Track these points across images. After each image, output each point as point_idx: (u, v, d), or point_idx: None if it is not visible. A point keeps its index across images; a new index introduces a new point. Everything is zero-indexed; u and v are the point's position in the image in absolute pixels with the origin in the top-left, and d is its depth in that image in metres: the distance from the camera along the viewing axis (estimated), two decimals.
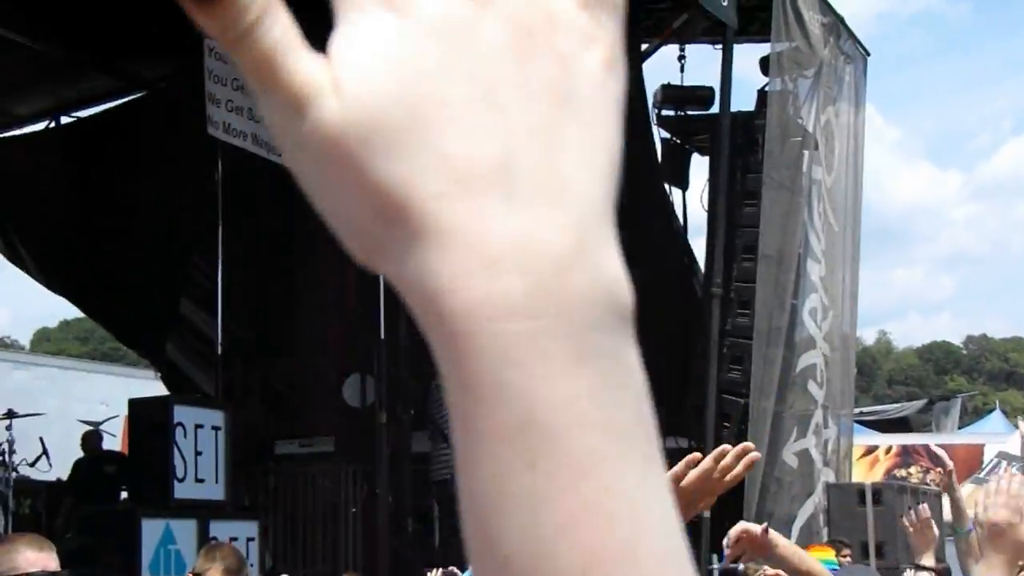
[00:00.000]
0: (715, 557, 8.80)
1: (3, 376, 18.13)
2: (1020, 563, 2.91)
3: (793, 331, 10.97)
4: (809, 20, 10.57)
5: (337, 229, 0.49)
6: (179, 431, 9.71)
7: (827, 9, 11.06)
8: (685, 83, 11.61)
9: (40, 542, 3.64)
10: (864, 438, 23.21)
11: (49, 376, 19.70)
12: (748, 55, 11.52)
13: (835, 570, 4.99)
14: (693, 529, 9.61)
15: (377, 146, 0.46)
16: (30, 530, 9.48)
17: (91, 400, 16.50)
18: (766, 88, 10.82)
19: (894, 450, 25.39)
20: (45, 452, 10.66)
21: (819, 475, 11.43)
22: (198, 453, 9.84)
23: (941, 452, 7.87)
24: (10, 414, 9.71)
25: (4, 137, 14.08)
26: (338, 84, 0.46)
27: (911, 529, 5.07)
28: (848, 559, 8.25)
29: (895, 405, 34.15)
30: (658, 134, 11.54)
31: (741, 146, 10.67)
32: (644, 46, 11.48)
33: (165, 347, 13.20)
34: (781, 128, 10.55)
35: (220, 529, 9.62)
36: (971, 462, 21.46)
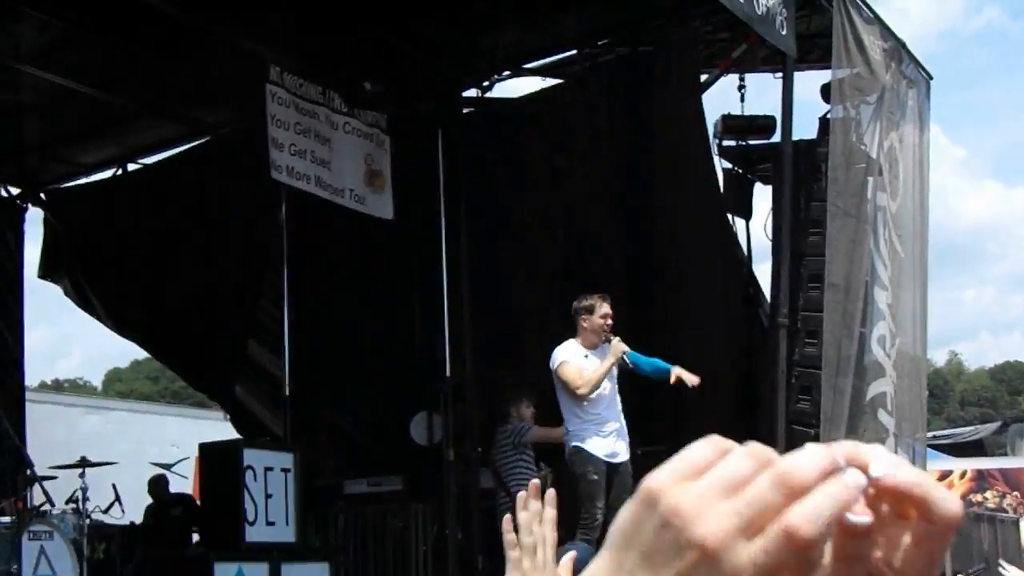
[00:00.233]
0: None
1: (76, 420, 18.39)
2: None
3: (862, 359, 10.83)
4: (870, 46, 10.48)
5: None
6: (249, 474, 9.77)
7: (888, 34, 10.96)
8: (746, 112, 11.56)
9: None
10: (938, 463, 22.83)
11: (121, 420, 19.93)
12: (809, 82, 11.45)
13: None
14: None
15: None
16: (104, 575, 9.60)
17: (162, 442, 16.67)
18: (828, 115, 10.71)
19: (969, 475, 24.97)
20: (118, 499, 10.75)
21: None
22: (268, 496, 9.88)
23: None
24: (83, 462, 9.81)
25: (72, 186, 14.30)
26: None
27: None
28: None
29: (968, 428, 33.61)
30: (720, 164, 11.49)
31: (804, 174, 10.57)
32: (703, 77, 11.44)
33: (234, 389, 13.30)
34: (845, 155, 10.45)
35: (292, 571, 9.66)
36: None
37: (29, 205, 14.22)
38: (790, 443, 10.35)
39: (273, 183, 10.64)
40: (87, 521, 9.10)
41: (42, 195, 14.28)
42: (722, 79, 11.56)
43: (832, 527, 0.59)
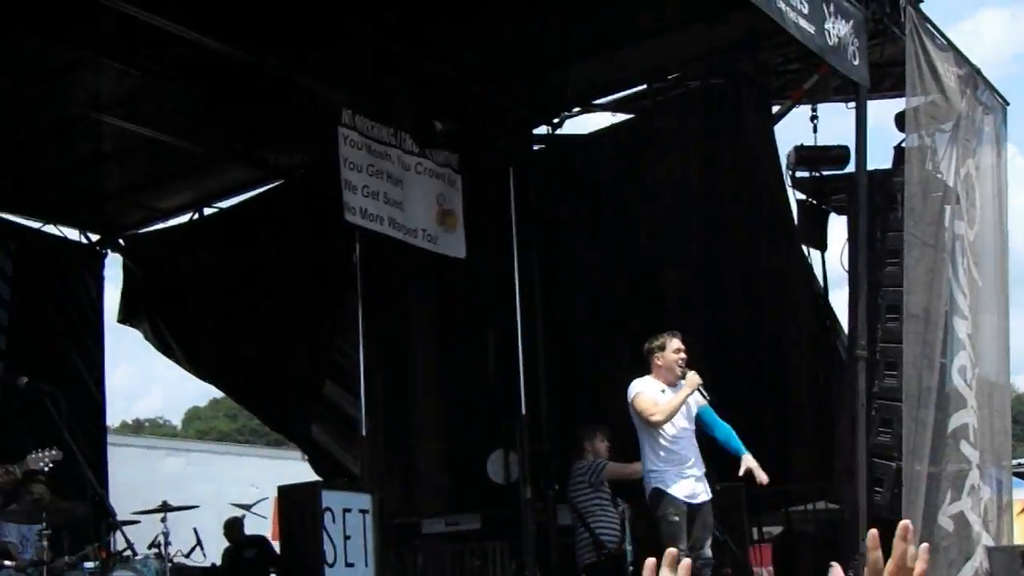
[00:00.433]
0: None
1: (157, 463, 18.61)
2: None
3: (943, 391, 10.64)
4: (944, 73, 10.35)
5: None
6: (328, 516, 9.81)
7: (962, 60, 10.83)
8: (819, 143, 11.45)
9: None
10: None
11: (201, 461, 20.14)
12: (883, 110, 11.35)
13: None
14: None
15: None
16: None
17: (242, 483, 16.80)
18: (903, 144, 10.60)
19: None
20: (199, 543, 10.85)
21: (977, 538, 11.04)
22: (347, 537, 9.92)
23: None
24: (165, 506, 9.91)
25: (150, 231, 14.50)
26: None
27: None
28: None
29: None
30: (794, 196, 11.39)
31: (880, 204, 10.45)
32: (775, 108, 11.38)
33: (311, 430, 13.36)
34: (921, 184, 10.31)
35: None
36: None
37: (108, 251, 14.42)
38: (871, 476, 10.21)
39: (347, 223, 10.71)
40: (169, 565, 9.18)
41: (121, 240, 14.49)
42: (794, 110, 11.47)
43: None
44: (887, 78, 10.94)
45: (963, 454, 10.96)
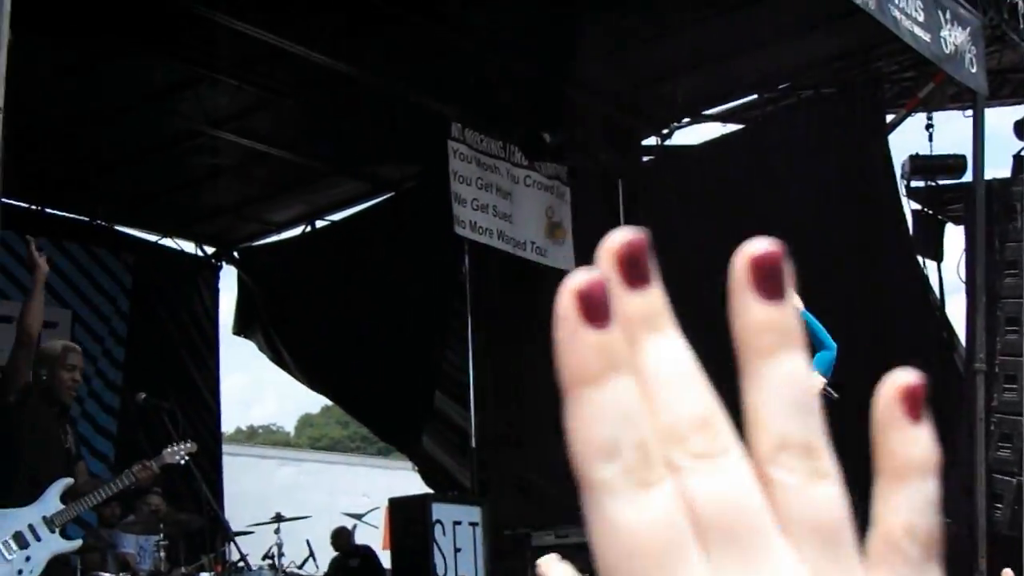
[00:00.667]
0: None
1: (271, 473, 18.87)
2: None
3: None
4: None
5: None
6: (438, 528, 9.86)
7: None
8: (934, 152, 11.24)
9: None
10: None
11: (314, 471, 20.40)
12: (1001, 118, 11.11)
13: None
14: None
15: None
16: None
17: (353, 492, 16.96)
18: (1022, 152, 10.38)
19: None
20: (312, 555, 10.98)
21: None
22: (457, 550, 9.97)
23: None
24: (278, 518, 10.04)
25: (263, 244, 14.72)
26: None
27: None
28: None
29: None
30: (908, 206, 11.18)
31: (998, 214, 10.23)
32: (889, 117, 11.19)
33: (421, 441, 13.44)
34: None
35: None
36: None
37: (223, 263, 14.66)
38: (990, 492, 9.99)
39: (456, 236, 10.77)
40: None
41: (235, 253, 14.71)
42: (909, 118, 11.28)
43: None
44: (1005, 85, 10.72)
45: None
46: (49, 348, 6.89)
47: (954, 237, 11.24)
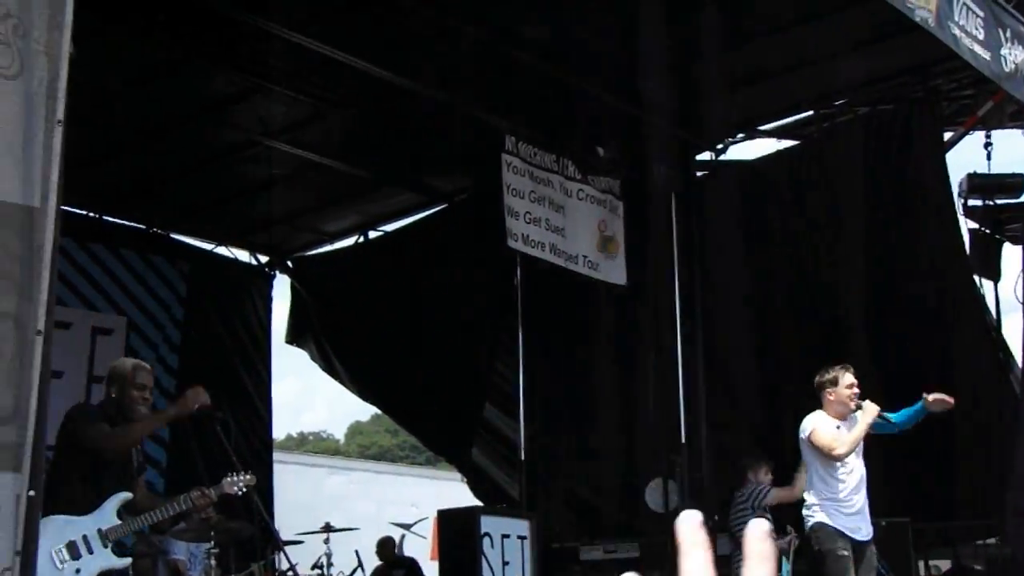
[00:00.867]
0: None
1: (321, 481, 18.96)
2: None
3: None
4: None
5: None
6: (486, 541, 9.86)
7: None
8: (992, 170, 11.12)
9: None
10: None
11: (363, 480, 20.48)
12: None
13: None
14: None
15: None
16: None
17: (402, 502, 17.01)
18: None
19: None
20: (360, 566, 11.01)
21: None
22: (505, 563, 9.96)
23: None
24: (327, 528, 10.08)
25: (317, 253, 14.80)
26: None
27: None
28: None
29: None
30: (965, 225, 11.07)
31: None
32: (947, 135, 11.08)
33: (471, 453, 13.46)
34: None
35: None
36: None
37: (277, 272, 14.75)
38: None
39: (508, 249, 10.77)
40: None
41: (289, 263, 14.80)
42: (967, 136, 11.17)
43: None
44: None
45: None
46: (119, 366, 6.95)
47: (1012, 257, 11.11)
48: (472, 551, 9.80)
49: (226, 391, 13.32)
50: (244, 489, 6.67)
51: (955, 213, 10.88)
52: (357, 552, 11.08)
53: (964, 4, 8.33)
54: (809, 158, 11.84)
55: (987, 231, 11.22)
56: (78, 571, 6.02)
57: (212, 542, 7.26)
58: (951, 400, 8.14)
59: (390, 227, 14.24)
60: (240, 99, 11.05)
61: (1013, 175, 10.95)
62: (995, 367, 10.85)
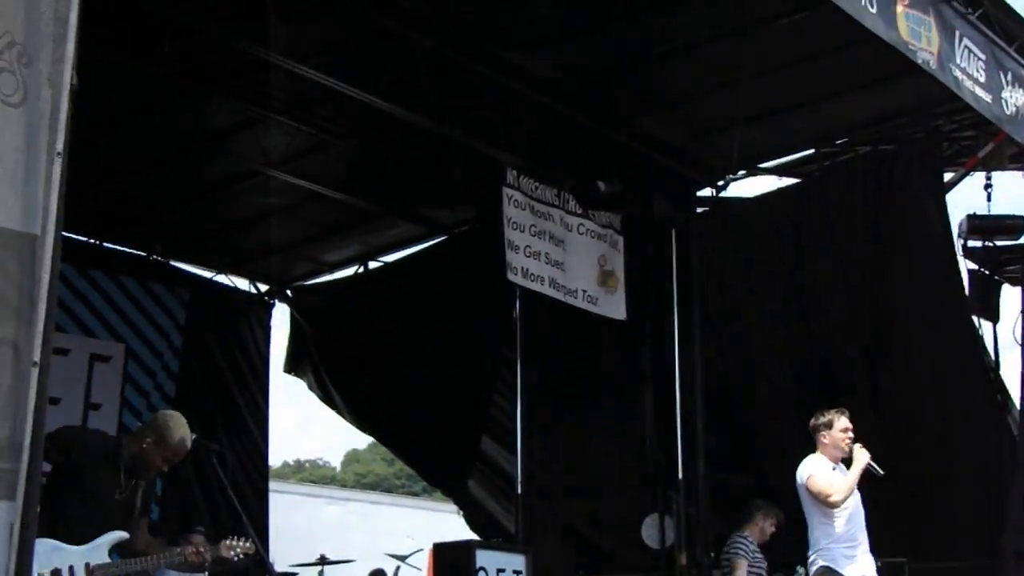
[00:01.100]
0: None
1: (317, 511, 18.92)
2: None
3: None
4: None
5: None
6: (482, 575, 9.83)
7: None
8: (993, 212, 11.14)
9: None
10: None
11: (360, 511, 20.44)
12: None
13: None
14: None
15: None
16: None
17: (398, 533, 16.95)
18: None
19: None
20: None
21: None
22: None
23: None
24: (322, 560, 10.05)
25: (316, 283, 14.81)
26: None
27: None
28: None
29: None
30: (965, 266, 11.07)
31: None
32: (948, 176, 11.10)
33: (467, 485, 13.42)
34: None
35: None
36: None
37: (276, 301, 14.75)
38: None
39: (508, 282, 10.78)
40: None
41: (288, 292, 14.81)
42: (968, 178, 11.19)
43: None
44: None
45: None
46: (170, 427, 6.67)
47: (1011, 298, 11.12)
48: None
49: (223, 419, 13.35)
50: (241, 556, 6.64)
51: (955, 254, 10.89)
52: None
53: (966, 46, 8.38)
54: (809, 196, 11.86)
55: (986, 272, 11.23)
56: None
57: (206, 572, 7.23)
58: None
59: (390, 258, 14.25)
60: (242, 128, 11.08)
61: (1013, 216, 10.98)
62: (993, 408, 10.83)
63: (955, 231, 10.97)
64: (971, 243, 11.11)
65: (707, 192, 12.61)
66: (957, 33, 8.33)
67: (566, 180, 11.10)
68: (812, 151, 12.00)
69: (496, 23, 9.76)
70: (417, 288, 13.48)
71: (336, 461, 55.20)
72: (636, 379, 12.36)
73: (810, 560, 8.18)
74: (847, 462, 8.23)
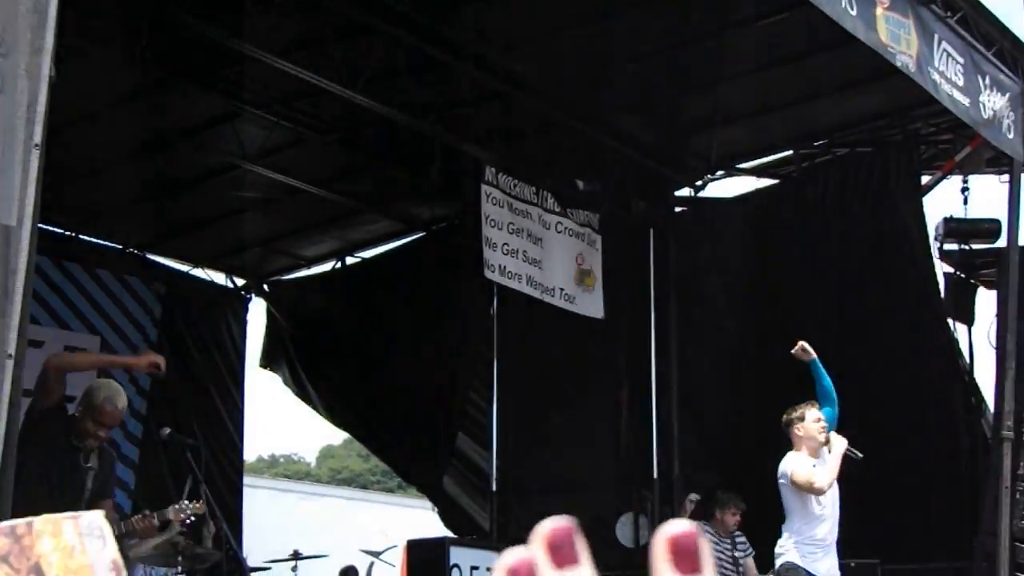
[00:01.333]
0: None
1: (292, 507, 18.87)
2: None
3: None
4: None
5: None
6: (455, 573, 9.82)
7: None
8: (969, 215, 11.19)
9: None
10: None
11: (335, 507, 20.41)
12: None
13: None
14: None
15: None
16: None
17: (373, 529, 16.91)
18: None
19: None
20: None
21: None
22: None
23: None
24: (296, 555, 10.03)
25: (293, 278, 14.77)
26: None
27: None
28: None
29: None
30: (941, 268, 11.13)
31: None
32: (925, 179, 11.16)
33: (443, 482, 13.40)
34: None
35: None
36: None
37: (252, 295, 14.70)
38: (1013, 561, 9.87)
39: (485, 279, 10.77)
40: None
41: (265, 286, 14.77)
42: (944, 181, 11.24)
43: None
44: None
45: None
46: (96, 392, 6.63)
47: (986, 302, 11.17)
48: None
49: (198, 414, 13.28)
50: (192, 518, 6.59)
51: (931, 256, 10.95)
52: None
53: (944, 50, 8.41)
54: (787, 197, 11.91)
55: (962, 275, 11.29)
56: None
57: (179, 568, 7.20)
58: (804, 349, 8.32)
59: (367, 254, 14.23)
60: (219, 122, 11.04)
61: (989, 220, 11.02)
62: (967, 411, 10.88)
63: (932, 234, 11.02)
64: (947, 246, 11.17)
65: (685, 192, 12.64)
66: (936, 36, 8.36)
67: (545, 178, 11.10)
68: (790, 152, 12.04)
69: (476, 20, 9.76)
70: (394, 284, 13.48)
71: (311, 456, 55.08)
72: (612, 378, 12.38)
73: (777, 552, 8.18)
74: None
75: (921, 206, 10.97)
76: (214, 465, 13.00)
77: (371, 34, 9.51)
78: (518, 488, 12.99)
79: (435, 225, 13.33)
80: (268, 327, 14.78)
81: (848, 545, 8.55)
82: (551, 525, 0.54)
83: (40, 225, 3.89)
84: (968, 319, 11.27)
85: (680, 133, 11.65)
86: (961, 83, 8.59)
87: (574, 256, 11.35)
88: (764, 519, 8.86)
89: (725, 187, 12.97)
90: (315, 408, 14.42)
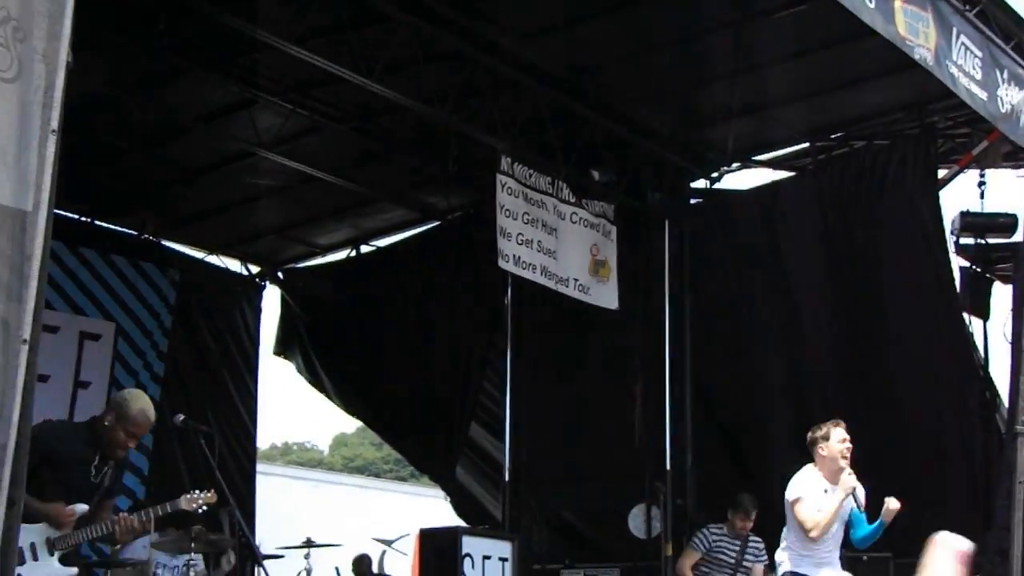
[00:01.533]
0: None
1: (305, 495, 18.91)
2: None
3: None
4: None
5: None
6: (467, 562, 9.85)
7: None
8: (986, 209, 11.14)
9: None
10: None
11: (348, 495, 20.45)
12: None
13: None
14: None
15: None
16: None
17: (385, 517, 16.98)
18: None
19: None
20: None
21: None
22: None
23: None
24: (308, 543, 10.04)
25: (307, 266, 14.79)
26: None
27: None
28: None
29: None
30: (957, 263, 11.09)
31: None
32: (942, 172, 11.11)
33: (455, 471, 13.42)
34: None
35: None
36: None
37: (267, 283, 14.73)
38: None
39: (499, 269, 10.76)
40: None
41: (279, 274, 14.79)
42: (961, 175, 11.19)
43: None
44: None
45: None
46: (127, 403, 6.64)
47: (1002, 296, 11.12)
48: (453, 572, 9.77)
49: (212, 401, 13.34)
50: (204, 507, 6.60)
51: (947, 250, 10.90)
52: (337, 569, 11.04)
53: (963, 44, 8.37)
54: (803, 190, 11.87)
55: (978, 269, 11.24)
56: None
57: (191, 554, 7.22)
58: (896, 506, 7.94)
59: (382, 242, 14.24)
60: (236, 109, 11.05)
61: (1005, 214, 10.98)
62: (982, 405, 10.85)
63: (948, 228, 10.98)
64: (963, 240, 11.12)
65: (701, 183, 12.62)
66: (954, 30, 8.32)
67: (560, 168, 11.09)
68: (807, 145, 11.99)
69: (493, 10, 9.74)
70: (408, 274, 13.50)
71: (324, 444, 55.15)
72: (626, 369, 12.36)
73: (778, 561, 8.12)
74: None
75: (937, 200, 10.93)
76: (227, 452, 13.06)
77: (388, 23, 9.50)
78: (531, 479, 12.99)
79: (450, 214, 13.33)
80: (282, 315, 14.81)
81: None
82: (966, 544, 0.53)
83: (56, 211, 3.89)
84: (984, 313, 11.23)
85: (696, 124, 11.62)
86: (979, 77, 8.55)
87: (589, 247, 11.31)
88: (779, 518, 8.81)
89: (741, 179, 12.95)
90: (328, 396, 14.45)
